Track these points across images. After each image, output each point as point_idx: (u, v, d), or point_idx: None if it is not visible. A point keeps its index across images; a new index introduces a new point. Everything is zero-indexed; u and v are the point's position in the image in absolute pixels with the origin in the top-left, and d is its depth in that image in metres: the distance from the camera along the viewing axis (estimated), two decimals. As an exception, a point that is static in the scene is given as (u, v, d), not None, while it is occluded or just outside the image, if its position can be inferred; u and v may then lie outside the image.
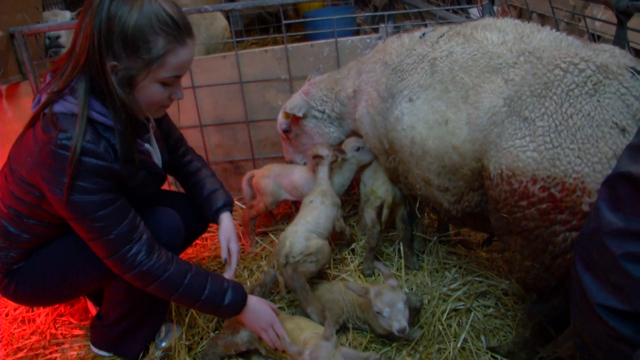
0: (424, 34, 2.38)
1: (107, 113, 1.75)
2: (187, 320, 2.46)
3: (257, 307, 2.11)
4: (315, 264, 2.39)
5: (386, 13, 3.84)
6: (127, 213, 1.84)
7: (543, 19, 4.76)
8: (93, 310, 2.55)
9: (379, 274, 2.70)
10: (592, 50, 1.69)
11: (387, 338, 2.29)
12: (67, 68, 1.73)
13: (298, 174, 2.98)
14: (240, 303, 2.06)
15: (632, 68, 1.59)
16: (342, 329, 2.40)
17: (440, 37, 2.21)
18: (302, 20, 5.57)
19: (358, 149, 2.79)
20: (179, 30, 1.73)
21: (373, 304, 2.10)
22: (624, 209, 1.29)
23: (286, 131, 3.00)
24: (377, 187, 2.66)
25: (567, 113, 1.56)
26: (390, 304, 2.06)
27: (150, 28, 1.67)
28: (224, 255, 2.34)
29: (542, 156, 1.57)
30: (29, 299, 2.13)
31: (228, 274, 2.29)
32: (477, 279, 2.60)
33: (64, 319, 2.61)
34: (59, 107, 1.71)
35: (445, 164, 1.99)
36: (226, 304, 2.01)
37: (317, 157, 2.75)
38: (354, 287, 2.21)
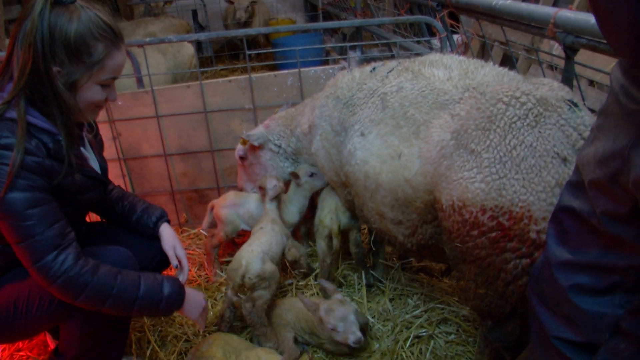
0: (374, 69, 2.44)
1: (40, 117, 1.80)
2: (148, 353, 2.41)
3: (194, 295, 2.15)
4: (268, 290, 2.40)
5: (352, 44, 3.91)
6: (58, 218, 1.81)
7: (504, 49, 4.93)
8: (52, 344, 2.48)
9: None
10: (532, 84, 1.76)
11: (336, 353, 2.33)
12: (7, 78, 1.79)
13: (254, 204, 2.99)
14: (179, 292, 2.04)
15: (569, 101, 1.66)
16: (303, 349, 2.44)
17: (390, 71, 2.28)
18: (267, 50, 5.63)
19: (311, 175, 2.84)
20: (115, 35, 1.86)
21: (326, 321, 2.11)
22: (570, 242, 1.34)
23: (242, 158, 3.05)
24: (324, 217, 2.68)
25: (510, 144, 1.62)
26: (343, 318, 2.10)
27: (90, 34, 1.78)
28: (174, 262, 2.32)
29: (489, 187, 1.62)
30: None
31: (182, 279, 2.28)
32: (438, 305, 2.62)
33: (21, 353, 2.52)
34: None
35: (398, 197, 2.02)
36: (166, 295, 1.98)
37: (261, 189, 2.79)
38: (307, 301, 2.22)
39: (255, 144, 2.89)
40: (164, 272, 2.91)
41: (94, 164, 2.18)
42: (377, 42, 5.18)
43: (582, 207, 1.28)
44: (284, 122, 2.92)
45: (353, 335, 2.05)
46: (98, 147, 2.28)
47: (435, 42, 3.97)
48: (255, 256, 2.40)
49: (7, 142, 1.71)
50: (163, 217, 2.40)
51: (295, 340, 2.42)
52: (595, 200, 1.21)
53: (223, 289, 2.90)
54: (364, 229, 3.10)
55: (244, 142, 2.96)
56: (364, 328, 2.35)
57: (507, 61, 5.28)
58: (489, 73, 2.00)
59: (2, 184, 1.70)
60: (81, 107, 1.89)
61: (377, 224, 2.24)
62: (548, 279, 1.38)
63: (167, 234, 2.36)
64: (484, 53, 5.76)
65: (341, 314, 2.11)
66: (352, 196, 2.39)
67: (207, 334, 2.50)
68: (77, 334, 2.02)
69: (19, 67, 1.75)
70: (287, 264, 2.91)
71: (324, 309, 2.15)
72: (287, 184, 2.94)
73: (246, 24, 8.11)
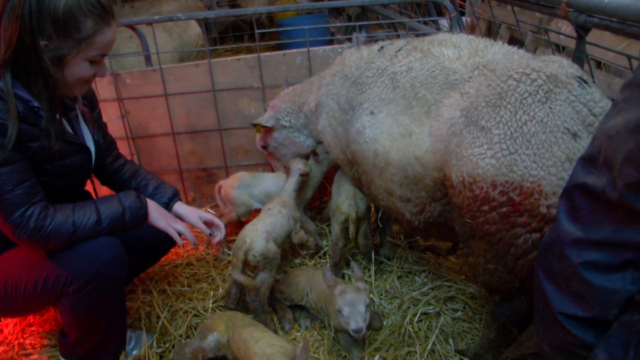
0: (381, 47, 2.43)
1: (17, 86, 1.83)
2: (158, 328, 2.46)
3: (156, 204, 2.23)
4: (269, 273, 2.44)
5: (358, 24, 3.89)
6: (28, 177, 1.87)
7: (511, 31, 4.91)
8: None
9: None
10: (542, 62, 1.77)
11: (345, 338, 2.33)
12: None
13: (271, 182, 3.01)
14: (137, 200, 2.10)
15: (579, 77, 1.67)
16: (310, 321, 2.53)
17: (398, 51, 2.28)
18: (275, 29, 5.61)
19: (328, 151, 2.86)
20: (105, 11, 1.86)
21: (335, 301, 2.14)
22: (582, 219, 1.35)
23: (264, 147, 3.08)
24: (341, 203, 2.68)
25: (521, 120, 1.63)
26: (351, 304, 2.09)
27: (80, 10, 1.79)
28: (207, 232, 2.36)
29: (500, 162, 1.63)
30: None
31: (221, 236, 2.38)
32: (445, 283, 2.66)
33: (32, 328, 2.57)
34: None
35: (407, 175, 2.04)
36: (127, 205, 2.05)
37: (286, 169, 2.84)
38: (328, 275, 2.23)
39: (268, 125, 2.91)
40: (173, 250, 2.98)
41: (86, 135, 2.22)
42: (383, 22, 5.15)
43: (596, 183, 1.28)
44: (290, 98, 2.94)
45: (355, 323, 2.04)
46: (93, 120, 2.30)
47: (444, 22, 3.95)
48: (259, 235, 2.43)
49: None
50: (175, 197, 2.42)
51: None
52: (621, 173, 1.20)
53: (229, 268, 2.94)
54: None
55: (258, 129, 2.98)
56: (376, 330, 2.40)
57: (514, 43, 5.26)
58: (498, 51, 2.00)
59: None
60: (68, 82, 1.92)
61: (385, 202, 2.26)
62: (558, 255, 1.40)
63: (185, 210, 2.38)
64: (490, 35, 5.74)
65: (351, 299, 2.11)
66: (359, 174, 2.41)
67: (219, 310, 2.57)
68: (69, 318, 2.08)
69: (5, 40, 1.77)
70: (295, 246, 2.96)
71: (339, 289, 2.17)
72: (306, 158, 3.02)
73: (235, 5, 8.12)
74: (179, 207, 2.39)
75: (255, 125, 2.98)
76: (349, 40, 4.44)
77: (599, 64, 3.82)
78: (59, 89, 1.92)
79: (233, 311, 2.44)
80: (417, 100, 2.06)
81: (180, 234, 2.21)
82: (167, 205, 2.38)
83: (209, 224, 2.38)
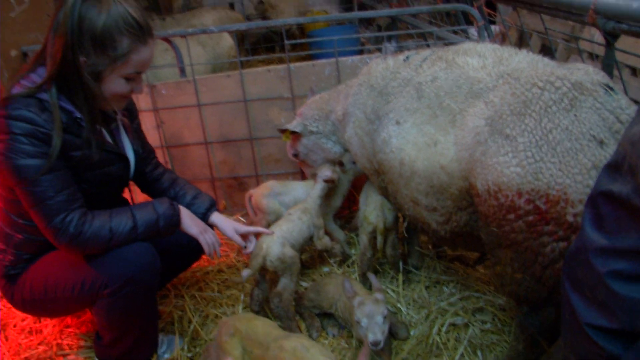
0: (407, 57, 2.45)
1: (63, 99, 1.94)
2: (189, 332, 2.53)
3: (189, 212, 2.30)
4: (290, 278, 2.47)
5: (386, 34, 3.93)
6: (68, 184, 1.96)
7: (542, 39, 4.85)
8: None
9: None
10: (567, 69, 1.76)
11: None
12: (42, 64, 1.93)
13: (301, 190, 3.05)
14: (171, 207, 2.17)
15: (605, 84, 1.66)
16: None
17: (424, 61, 2.29)
18: (304, 40, 5.69)
19: (355, 162, 2.88)
20: (142, 31, 1.93)
21: (354, 312, 2.15)
22: (607, 227, 1.33)
23: (295, 155, 3.12)
24: (369, 213, 2.69)
25: (546, 128, 1.62)
26: (370, 315, 2.08)
27: (117, 29, 1.87)
28: (242, 244, 2.45)
29: (525, 171, 1.63)
30: (27, 307, 2.23)
31: (252, 246, 2.50)
32: (474, 294, 2.63)
33: (70, 330, 2.68)
34: (14, 90, 1.92)
35: (433, 184, 2.05)
36: (161, 213, 2.12)
37: (314, 176, 2.89)
38: (348, 286, 2.23)
39: (297, 130, 2.96)
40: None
41: (126, 145, 2.31)
42: (412, 31, 5.17)
43: (621, 190, 1.27)
44: (318, 105, 2.98)
45: (372, 335, 2.03)
46: (133, 130, 2.39)
47: (473, 31, 3.94)
48: (275, 240, 2.47)
49: (30, 116, 1.86)
50: (212, 207, 2.49)
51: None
52: None
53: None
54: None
55: (287, 136, 3.03)
56: (403, 339, 2.41)
57: (546, 51, 5.19)
58: (523, 60, 2.00)
59: (16, 152, 1.85)
60: (106, 97, 2.00)
61: (411, 211, 2.27)
62: (584, 264, 1.38)
63: (221, 221, 2.46)
64: (521, 43, 5.67)
65: (369, 311, 2.10)
66: (385, 183, 2.43)
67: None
68: (104, 320, 2.16)
69: (51, 55, 1.88)
70: (324, 253, 2.99)
71: (358, 301, 2.17)
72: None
73: (265, 19, 8.29)
74: (216, 217, 2.46)
75: (283, 131, 3.03)
76: (379, 50, 4.48)
77: (634, 71, 3.74)
78: (98, 103, 2.02)
79: (251, 322, 2.18)
80: (442, 110, 2.07)
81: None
82: (204, 216, 2.44)
83: (244, 235, 2.46)
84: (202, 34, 3.52)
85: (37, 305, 2.18)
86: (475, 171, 1.83)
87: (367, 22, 8.06)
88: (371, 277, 2.33)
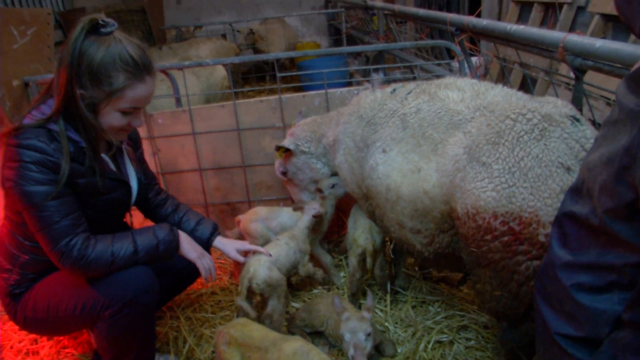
0: (394, 90, 2.62)
1: (70, 128, 2.06)
2: (185, 351, 2.61)
3: (187, 238, 2.41)
4: (278, 300, 2.59)
5: (373, 67, 4.12)
6: (73, 210, 2.06)
7: (526, 68, 5.09)
8: (94, 344, 2.69)
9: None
10: (538, 103, 1.94)
11: None
12: (51, 96, 2.05)
13: (287, 216, 3.17)
14: (171, 233, 2.28)
15: (572, 116, 1.83)
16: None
17: (409, 93, 2.46)
18: (295, 73, 5.88)
19: (333, 186, 3.06)
20: (139, 69, 2.02)
21: (340, 326, 2.25)
22: (571, 244, 1.48)
23: (284, 173, 3.22)
24: (358, 236, 2.80)
25: (518, 156, 1.78)
26: (353, 331, 2.17)
27: (113, 65, 1.97)
28: (243, 259, 2.60)
29: (500, 195, 1.78)
30: (28, 325, 2.31)
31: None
32: (458, 313, 2.76)
33: (67, 350, 2.74)
34: (26, 121, 2.03)
35: (417, 208, 2.19)
36: (161, 238, 2.23)
37: (299, 202, 3.06)
38: (337, 302, 2.33)
39: (291, 147, 3.06)
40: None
41: (130, 172, 2.42)
42: (399, 64, 5.39)
43: (581, 211, 1.43)
44: (310, 127, 3.11)
45: (352, 350, 2.12)
46: (137, 159, 2.51)
47: (455, 64, 4.16)
48: (262, 264, 2.59)
49: (40, 146, 1.97)
50: (215, 232, 2.63)
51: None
52: (599, 201, 1.35)
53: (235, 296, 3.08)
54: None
55: (280, 154, 3.16)
56: (387, 354, 2.49)
57: (526, 83, 5.43)
58: (498, 94, 2.17)
59: (25, 179, 1.96)
60: (104, 129, 2.10)
61: (397, 234, 2.41)
62: (552, 278, 1.52)
63: (224, 244, 2.61)
64: (503, 75, 5.93)
65: (353, 326, 2.19)
66: (373, 207, 2.57)
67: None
68: (104, 340, 2.23)
69: (56, 88, 2.01)
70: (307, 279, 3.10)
71: (345, 316, 2.26)
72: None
73: (256, 49, 8.55)
74: (219, 241, 2.61)
75: (278, 148, 3.13)
76: (367, 81, 4.68)
77: (608, 102, 3.96)
78: (98, 134, 2.11)
79: (246, 327, 2.30)
80: (425, 139, 2.23)
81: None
82: (209, 240, 2.59)
83: (246, 253, 2.62)
84: (198, 66, 3.68)
85: (38, 323, 2.26)
86: (455, 196, 1.98)
87: (355, 54, 8.31)
88: (369, 295, 2.38)
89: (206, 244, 2.60)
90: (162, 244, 2.23)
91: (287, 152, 3.15)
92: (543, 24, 5.73)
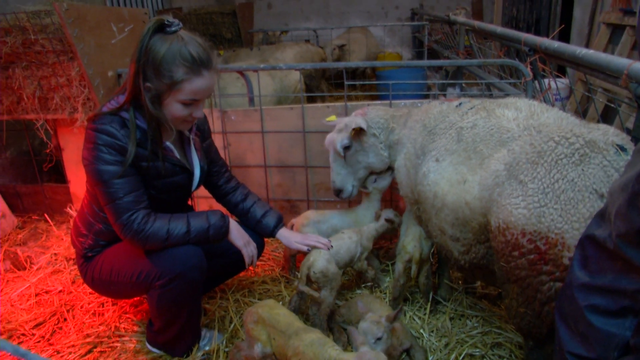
0: (460, 104, 2.69)
1: (140, 117, 2.32)
2: (229, 330, 2.83)
3: (237, 226, 2.62)
4: (330, 293, 2.72)
5: (446, 82, 4.17)
6: (137, 188, 2.32)
7: (609, 97, 4.89)
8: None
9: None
10: (587, 128, 1.95)
11: None
12: (126, 88, 2.31)
13: (337, 219, 3.31)
14: (222, 219, 2.49)
15: (617, 145, 1.82)
16: None
17: (471, 109, 2.53)
18: (365, 82, 6.06)
19: (375, 180, 3.21)
20: (196, 64, 2.21)
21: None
22: (590, 266, 1.52)
23: (347, 147, 3.07)
24: (407, 243, 2.90)
25: (554, 178, 1.81)
26: (364, 332, 2.22)
27: (173, 60, 2.18)
28: (304, 249, 2.80)
29: (530, 213, 1.82)
30: (95, 285, 2.63)
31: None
32: (495, 330, 2.77)
33: (128, 316, 3.06)
34: (104, 109, 2.32)
35: (458, 217, 2.26)
36: (212, 223, 2.45)
37: (377, 216, 3.22)
38: (361, 305, 2.49)
39: (364, 127, 2.98)
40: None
41: (194, 160, 2.66)
42: (473, 81, 5.37)
43: (602, 234, 1.46)
44: (384, 115, 3.06)
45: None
46: (203, 149, 2.76)
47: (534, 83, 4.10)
48: (322, 256, 2.75)
49: (112, 131, 2.25)
50: (280, 223, 2.86)
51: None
52: (614, 225, 1.38)
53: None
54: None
55: (332, 118, 3.21)
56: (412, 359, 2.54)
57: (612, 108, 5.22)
58: (551, 116, 2.20)
59: (97, 159, 2.24)
60: (168, 119, 2.33)
61: (439, 239, 2.48)
62: (569, 298, 1.56)
63: (287, 235, 2.84)
64: (588, 99, 5.72)
65: (366, 327, 2.22)
66: (420, 212, 2.65)
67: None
68: (155, 308, 2.50)
69: (128, 80, 2.28)
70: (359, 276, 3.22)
71: (367, 316, 2.32)
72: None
73: (339, 58, 8.75)
74: (283, 232, 2.84)
75: (353, 129, 3.03)
76: (444, 95, 4.72)
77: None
78: (161, 122, 2.34)
79: (273, 313, 2.40)
80: (475, 153, 2.30)
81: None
82: (273, 231, 2.83)
83: (311, 243, 2.81)
84: (271, 69, 3.93)
85: (103, 285, 2.57)
86: (491, 209, 2.03)
87: (436, 68, 8.31)
88: (398, 308, 2.39)
89: (270, 234, 2.82)
90: (212, 229, 2.45)
91: (361, 130, 3.03)
92: (634, 49, 5.48)
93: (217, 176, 2.89)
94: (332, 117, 3.22)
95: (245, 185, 3.00)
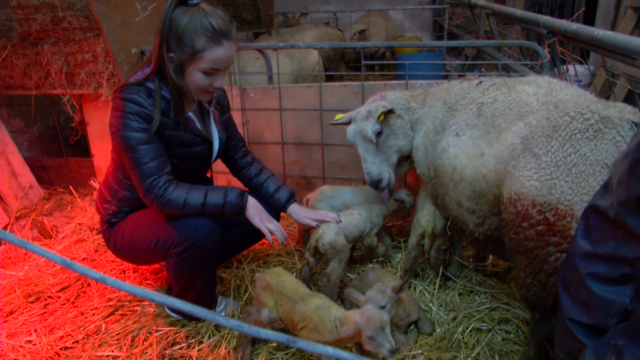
0: (480, 82, 2.72)
1: (164, 88, 2.40)
2: (245, 297, 2.93)
3: (258, 204, 2.65)
4: (339, 264, 2.81)
5: (466, 63, 4.17)
6: (160, 155, 2.42)
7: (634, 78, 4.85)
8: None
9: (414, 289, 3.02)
10: (603, 105, 1.97)
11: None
12: (151, 60, 2.39)
13: (349, 195, 3.38)
14: (239, 198, 2.54)
15: (633, 122, 1.85)
16: None
17: (491, 85, 2.57)
18: (381, 62, 6.05)
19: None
20: (216, 34, 2.30)
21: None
22: (593, 236, 1.56)
23: (379, 134, 2.94)
24: (422, 217, 2.98)
25: (567, 152, 1.85)
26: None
27: (195, 30, 2.27)
28: (314, 224, 2.86)
29: (542, 185, 1.87)
30: (117, 250, 2.74)
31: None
32: (503, 306, 2.82)
33: (148, 282, 3.18)
34: (131, 80, 2.42)
35: (475, 189, 2.31)
36: (227, 200, 2.50)
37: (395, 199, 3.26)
38: (372, 275, 2.57)
39: (391, 107, 2.89)
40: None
41: (214, 132, 2.75)
42: (491, 62, 5.34)
43: (605, 204, 1.50)
44: (402, 96, 3.03)
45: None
46: (221, 122, 2.83)
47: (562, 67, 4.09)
48: (331, 228, 2.83)
49: (139, 100, 2.35)
50: (292, 198, 2.93)
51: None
52: (616, 193, 1.42)
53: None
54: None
55: (340, 115, 3.13)
56: (424, 332, 2.64)
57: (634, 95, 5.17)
58: (570, 93, 2.22)
59: (125, 126, 2.34)
60: (190, 88, 2.43)
61: (455, 212, 2.54)
62: (571, 266, 1.61)
63: (298, 210, 2.89)
64: (610, 86, 5.65)
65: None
66: (436, 188, 2.71)
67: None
68: (172, 274, 2.61)
69: (153, 52, 2.37)
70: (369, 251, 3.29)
71: (376, 286, 2.41)
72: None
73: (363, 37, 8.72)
74: (293, 207, 2.90)
75: (380, 114, 2.90)
76: (463, 76, 4.72)
77: None
78: (183, 92, 2.45)
79: (281, 280, 2.48)
80: (494, 127, 2.34)
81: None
82: (285, 205, 2.89)
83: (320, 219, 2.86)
84: (290, 48, 3.98)
85: (124, 250, 2.68)
86: (505, 181, 2.08)
87: (456, 52, 8.27)
88: (405, 280, 2.50)
89: (282, 209, 2.90)
90: (227, 205, 2.52)
91: (390, 112, 2.94)
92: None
93: (234, 150, 2.98)
94: (339, 115, 3.19)
95: (260, 161, 3.08)
